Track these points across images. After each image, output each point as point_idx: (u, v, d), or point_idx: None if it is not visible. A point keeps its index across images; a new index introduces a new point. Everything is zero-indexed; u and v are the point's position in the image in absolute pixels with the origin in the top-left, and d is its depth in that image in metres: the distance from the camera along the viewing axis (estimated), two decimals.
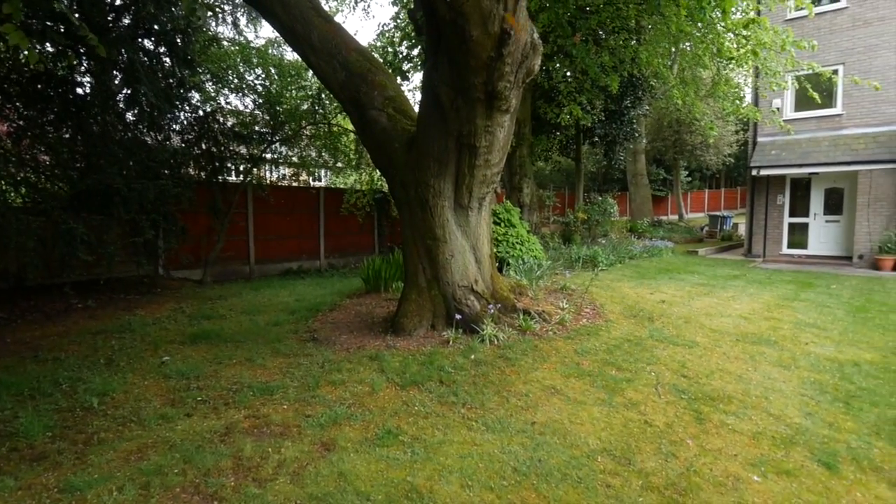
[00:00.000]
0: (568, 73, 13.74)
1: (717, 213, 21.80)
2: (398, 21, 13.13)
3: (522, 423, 3.77)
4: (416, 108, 6.12)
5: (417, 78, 18.88)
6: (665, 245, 15.33)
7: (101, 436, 3.60)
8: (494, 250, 10.01)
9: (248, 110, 12.40)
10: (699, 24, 8.40)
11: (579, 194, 19.54)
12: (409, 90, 24.57)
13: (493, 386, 4.37)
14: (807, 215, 14.49)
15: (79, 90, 8.30)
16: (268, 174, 14.42)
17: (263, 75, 11.85)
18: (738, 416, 3.94)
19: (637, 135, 18.71)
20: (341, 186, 15.85)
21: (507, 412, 3.92)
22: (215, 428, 3.69)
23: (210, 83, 11.12)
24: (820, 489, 3.09)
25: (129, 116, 8.93)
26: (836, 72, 12.92)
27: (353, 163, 14.37)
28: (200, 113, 10.59)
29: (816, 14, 13.17)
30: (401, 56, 13.22)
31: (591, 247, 13.06)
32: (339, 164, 15.40)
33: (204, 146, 10.63)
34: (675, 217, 29.23)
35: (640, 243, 15.04)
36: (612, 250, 12.90)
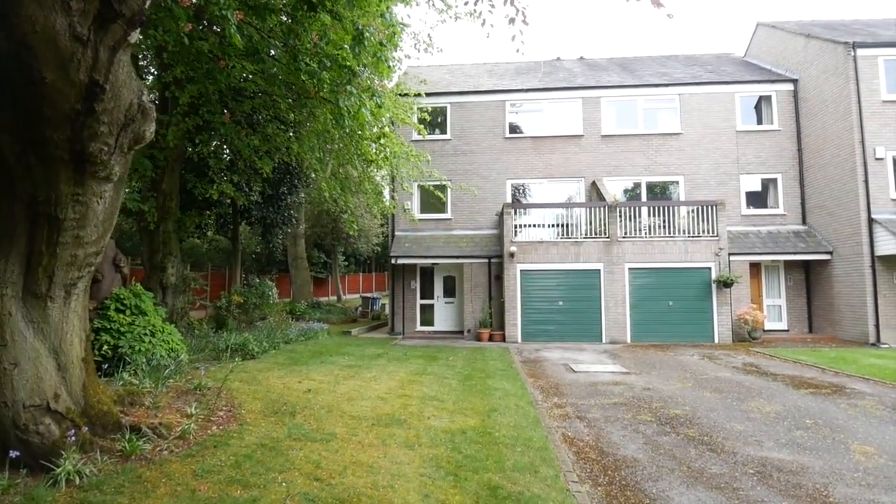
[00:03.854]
0: (226, 151, 13.14)
1: (369, 295, 24.08)
2: None
3: None
4: None
5: None
6: (321, 327, 15.68)
7: None
8: (114, 344, 8.08)
9: None
10: (344, 130, 9.31)
11: (237, 276, 18.41)
12: None
13: None
14: (433, 298, 17.43)
15: None
16: None
17: None
18: None
19: (295, 220, 19.24)
20: None
21: None
22: None
23: None
24: None
25: None
26: (445, 185, 16.48)
27: None
28: None
29: (431, 140, 16.84)
30: None
31: (244, 333, 12.13)
32: None
33: None
34: (335, 298, 30.95)
35: (297, 326, 14.95)
36: (266, 336, 12.27)
